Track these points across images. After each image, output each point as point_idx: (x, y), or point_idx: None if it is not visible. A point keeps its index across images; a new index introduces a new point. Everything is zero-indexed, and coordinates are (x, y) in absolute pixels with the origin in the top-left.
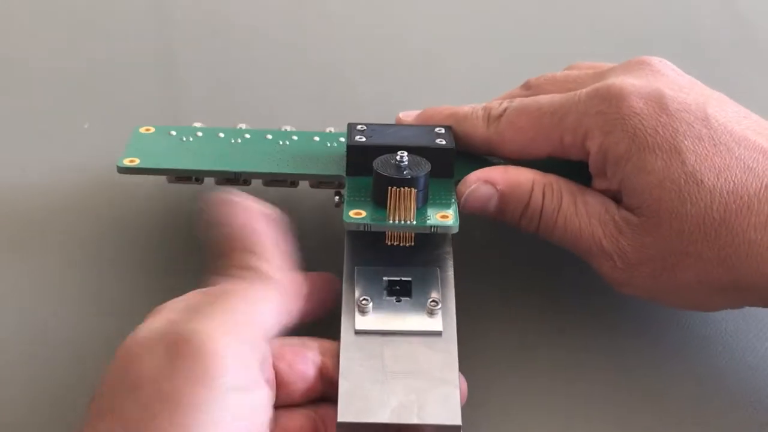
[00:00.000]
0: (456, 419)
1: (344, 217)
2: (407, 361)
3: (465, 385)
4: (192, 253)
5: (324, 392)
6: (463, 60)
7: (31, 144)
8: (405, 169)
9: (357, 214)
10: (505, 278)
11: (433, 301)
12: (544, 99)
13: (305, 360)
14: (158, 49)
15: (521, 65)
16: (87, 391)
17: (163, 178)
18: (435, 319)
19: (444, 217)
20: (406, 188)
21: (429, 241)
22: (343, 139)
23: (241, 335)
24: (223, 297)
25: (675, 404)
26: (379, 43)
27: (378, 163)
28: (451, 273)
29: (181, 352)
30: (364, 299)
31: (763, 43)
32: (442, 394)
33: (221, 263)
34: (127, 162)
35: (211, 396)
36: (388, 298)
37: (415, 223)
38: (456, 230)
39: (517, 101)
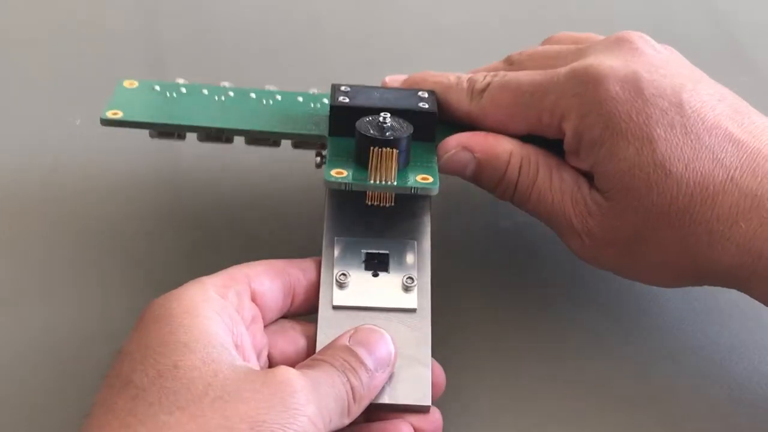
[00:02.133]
0: (426, 400)
1: (325, 176)
2: None
3: (443, 375)
4: (186, 247)
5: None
6: (451, 23)
7: (22, 141)
8: (388, 131)
9: (338, 173)
10: (483, 256)
11: (408, 277)
12: (524, 77)
13: (297, 348)
14: (148, 39)
15: (500, 38)
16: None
17: (158, 172)
18: (410, 296)
19: (424, 179)
20: (388, 149)
21: (408, 208)
22: (326, 101)
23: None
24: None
25: (652, 380)
26: (367, 6)
27: (361, 124)
28: (428, 245)
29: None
30: (342, 274)
31: (739, 38)
32: (414, 374)
33: None
34: (110, 114)
35: None
36: (365, 271)
37: (396, 183)
38: (436, 191)
39: (500, 77)
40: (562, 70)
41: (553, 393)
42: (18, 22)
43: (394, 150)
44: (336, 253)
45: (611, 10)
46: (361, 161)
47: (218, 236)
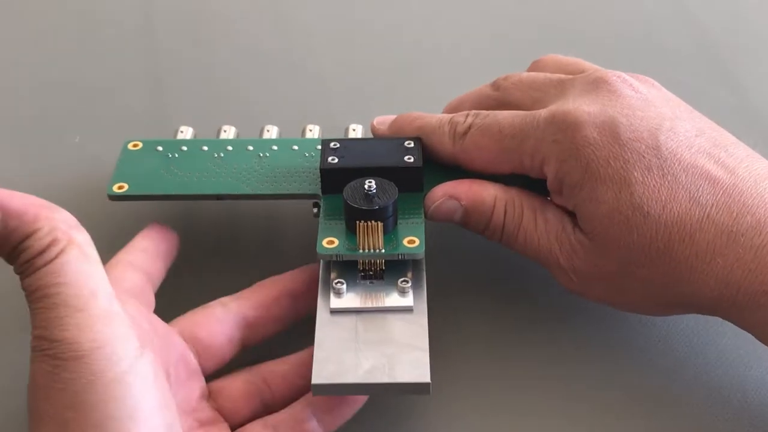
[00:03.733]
0: (425, 377)
1: (318, 248)
2: (379, 332)
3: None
4: (185, 266)
5: (245, 340)
6: (442, 44)
7: (22, 158)
8: (374, 197)
9: (330, 243)
10: (478, 259)
11: (404, 280)
12: (505, 120)
13: (220, 319)
14: (146, 58)
15: (490, 58)
16: None
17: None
18: (406, 297)
19: (411, 242)
20: (373, 222)
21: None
22: (320, 147)
23: (96, 314)
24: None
25: (642, 387)
26: (358, 39)
27: (348, 192)
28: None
29: (60, 369)
30: (338, 282)
31: (722, 55)
32: (412, 357)
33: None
34: (116, 189)
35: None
36: (361, 281)
37: (384, 251)
38: (422, 256)
39: (480, 119)
40: (542, 113)
41: (545, 393)
42: (14, 36)
43: (379, 223)
44: (333, 265)
45: (596, 28)
46: (351, 227)
47: (219, 251)
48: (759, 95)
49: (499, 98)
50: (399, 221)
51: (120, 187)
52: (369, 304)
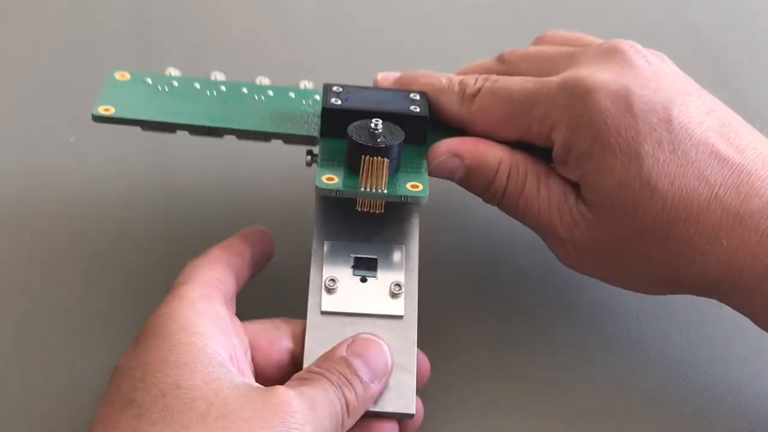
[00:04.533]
0: (410, 408)
1: (317, 183)
2: None
3: (428, 365)
4: (181, 257)
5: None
6: (443, 19)
7: (17, 158)
8: (379, 137)
9: (329, 179)
10: (472, 261)
11: (396, 284)
12: (516, 85)
13: (280, 349)
14: (138, 53)
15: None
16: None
17: (151, 193)
18: (397, 302)
19: (414, 187)
20: (379, 158)
21: (397, 212)
22: (318, 97)
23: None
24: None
25: (635, 389)
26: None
27: (353, 129)
28: (416, 250)
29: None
30: (331, 279)
31: (718, 57)
32: (399, 381)
33: None
34: (101, 110)
35: None
36: (354, 276)
37: (386, 191)
38: (426, 200)
39: (491, 82)
40: (554, 79)
41: (538, 396)
42: (5, 36)
43: (385, 159)
44: (325, 256)
45: (592, 31)
46: (352, 166)
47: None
48: (754, 97)
49: (505, 72)
50: (400, 173)
51: (106, 110)
52: (360, 308)
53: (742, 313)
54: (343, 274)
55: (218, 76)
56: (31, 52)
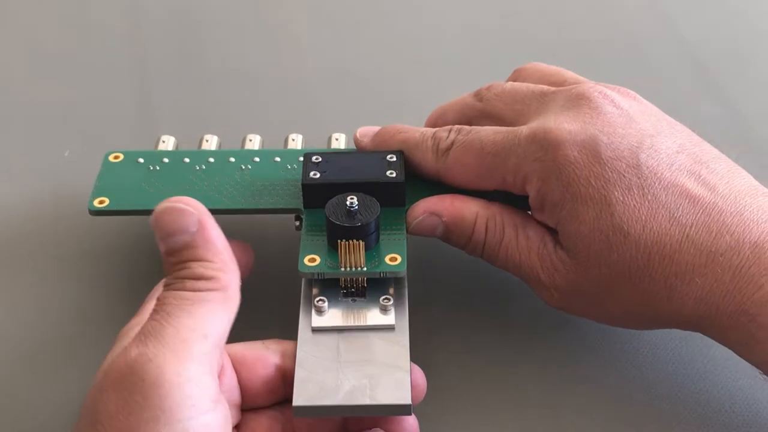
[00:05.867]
0: (406, 399)
1: (299, 267)
2: (361, 352)
3: (423, 379)
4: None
5: (287, 394)
6: (426, 57)
7: (12, 173)
8: (356, 215)
9: (311, 261)
10: (462, 274)
11: (386, 298)
12: (487, 137)
13: (266, 364)
14: (132, 72)
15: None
16: None
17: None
18: (388, 315)
19: (393, 260)
20: (355, 241)
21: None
22: (302, 159)
23: (195, 354)
24: (172, 316)
25: (628, 404)
26: (342, 48)
27: (330, 209)
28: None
29: (137, 388)
30: (320, 300)
31: (708, 67)
32: (394, 378)
33: (174, 274)
34: (97, 203)
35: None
36: (343, 299)
37: (365, 269)
38: (403, 274)
39: (463, 134)
40: (524, 131)
41: (530, 407)
42: (3, 43)
43: (361, 242)
44: (314, 281)
45: (581, 40)
46: (332, 244)
47: None
48: (743, 106)
49: (481, 109)
50: (381, 236)
51: (101, 202)
52: (351, 323)
53: (724, 345)
54: (332, 294)
55: (210, 139)
56: (26, 65)
